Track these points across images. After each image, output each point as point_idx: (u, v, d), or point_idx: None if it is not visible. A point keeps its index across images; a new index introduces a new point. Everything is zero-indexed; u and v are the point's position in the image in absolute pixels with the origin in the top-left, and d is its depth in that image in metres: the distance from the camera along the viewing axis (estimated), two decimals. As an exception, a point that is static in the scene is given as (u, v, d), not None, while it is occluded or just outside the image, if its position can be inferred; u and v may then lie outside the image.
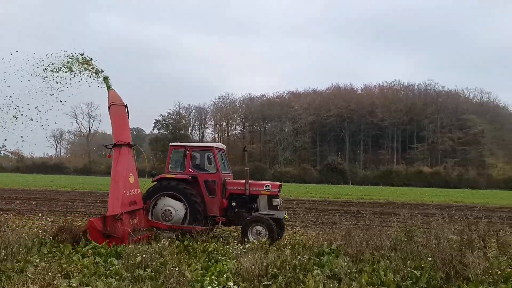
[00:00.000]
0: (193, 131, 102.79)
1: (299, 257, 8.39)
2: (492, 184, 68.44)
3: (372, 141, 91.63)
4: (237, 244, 9.77)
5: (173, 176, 12.49)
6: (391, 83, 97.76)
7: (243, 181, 12.56)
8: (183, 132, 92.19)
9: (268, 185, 12.55)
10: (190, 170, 12.57)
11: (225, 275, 7.20)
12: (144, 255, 7.76)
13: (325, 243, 10.19)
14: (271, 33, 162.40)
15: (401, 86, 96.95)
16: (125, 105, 11.92)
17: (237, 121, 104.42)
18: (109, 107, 11.79)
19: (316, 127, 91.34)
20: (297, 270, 7.63)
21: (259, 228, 11.35)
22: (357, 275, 7.40)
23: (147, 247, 8.50)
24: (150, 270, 7.27)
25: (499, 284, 7.08)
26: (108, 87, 12.19)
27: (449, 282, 7.25)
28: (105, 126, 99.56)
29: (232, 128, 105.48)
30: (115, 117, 11.69)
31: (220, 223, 12.48)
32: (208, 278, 6.94)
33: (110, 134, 13.08)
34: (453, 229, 9.35)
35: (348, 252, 9.07)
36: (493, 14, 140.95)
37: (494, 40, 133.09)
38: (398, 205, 28.78)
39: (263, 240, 10.34)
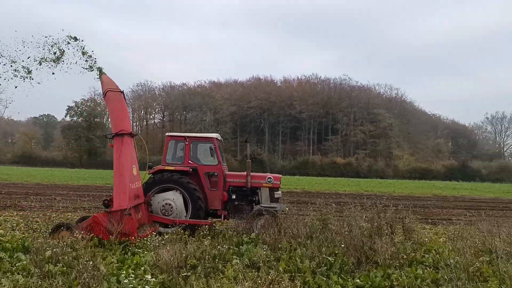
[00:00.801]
0: (110, 119, 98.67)
1: (218, 247, 8.41)
2: (398, 174, 73.47)
3: (290, 133, 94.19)
4: (155, 236, 9.56)
5: (172, 168, 11.89)
6: (309, 77, 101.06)
7: (244, 173, 12.27)
8: (98, 120, 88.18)
9: (270, 178, 12.30)
10: (190, 161, 12.07)
11: (142, 268, 7.02)
12: (54, 249, 7.31)
13: (244, 233, 10.31)
14: (193, 22, 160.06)
15: (318, 80, 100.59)
16: (122, 92, 11.03)
17: (157, 109, 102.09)
18: (104, 94, 10.82)
19: (237, 118, 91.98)
20: (217, 260, 7.65)
21: (264, 222, 10.90)
22: (275, 263, 7.58)
23: (58, 240, 8.03)
24: (61, 265, 6.88)
25: (405, 267, 7.64)
26: (100, 72, 11.11)
27: (360, 267, 7.68)
28: (10, 111, 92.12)
29: (151, 117, 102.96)
30: (114, 104, 10.74)
31: (222, 217, 11.98)
32: (124, 272, 6.72)
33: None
34: (364, 217, 9.89)
35: (266, 241, 9.25)
36: (406, 14, 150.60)
37: (405, 39, 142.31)
38: (314, 194, 29.85)
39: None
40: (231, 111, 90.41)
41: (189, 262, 7.34)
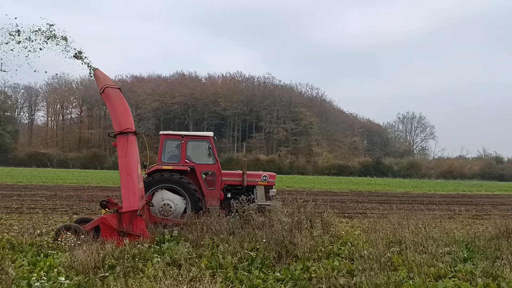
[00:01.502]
0: (21, 113, 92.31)
1: (138, 245, 8.20)
2: (318, 170, 76.05)
3: (215, 130, 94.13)
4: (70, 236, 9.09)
5: (170, 167, 11.57)
6: (233, 74, 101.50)
7: (239, 172, 12.29)
8: (9, 114, 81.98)
9: (266, 176, 12.41)
10: (186, 161, 11.78)
11: (55, 270, 6.65)
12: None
13: (166, 230, 10.14)
14: (115, 13, 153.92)
15: (242, 77, 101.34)
16: (119, 88, 10.49)
17: (74, 104, 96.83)
18: (102, 91, 10.20)
19: (160, 114, 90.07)
20: (137, 259, 7.45)
21: (263, 219, 10.79)
22: (197, 260, 7.54)
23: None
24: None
25: (323, 259, 7.96)
26: (90, 66, 10.44)
27: (281, 260, 7.88)
28: None
29: (68, 112, 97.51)
30: (115, 101, 10.15)
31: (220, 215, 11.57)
32: (36, 274, 6.33)
33: None
34: (285, 212, 10.14)
35: (189, 238, 9.18)
36: (327, 16, 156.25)
37: (324, 40, 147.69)
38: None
39: None
40: (154, 106, 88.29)
41: (107, 262, 7.08)
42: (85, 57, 10.44)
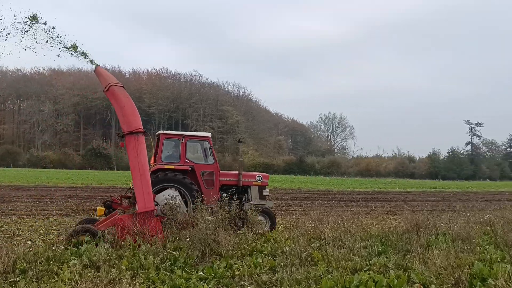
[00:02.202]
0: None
1: (53, 248, 7.77)
2: (244, 169, 76.72)
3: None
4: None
5: (173, 167, 11.55)
6: (159, 71, 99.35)
7: (235, 172, 12.56)
8: None
9: (260, 176, 12.76)
10: (186, 160, 11.84)
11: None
12: None
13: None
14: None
15: (168, 74, 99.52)
16: (123, 86, 10.19)
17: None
18: (107, 89, 9.90)
19: (81, 109, 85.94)
20: (51, 262, 7.05)
21: (261, 218, 11.31)
22: (117, 261, 7.29)
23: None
24: None
25: (246, 257, 8.03)
26: (92, 62, 10.13)
27: (204, 259, 7.85)
28: None
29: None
30: (122, 100, 9.89)
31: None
32: None
33: None
34: (209, 210, 10.11)
35: (108, 239, 8.85)
36: (254, 17, 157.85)
37: (252, 41, 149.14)
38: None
39: (264, 229, 10.67)
40: (74, 101, 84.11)
41: (18, 266, 6.62)
42: (85, 52, 10.16)
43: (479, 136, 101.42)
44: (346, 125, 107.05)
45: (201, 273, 6.88)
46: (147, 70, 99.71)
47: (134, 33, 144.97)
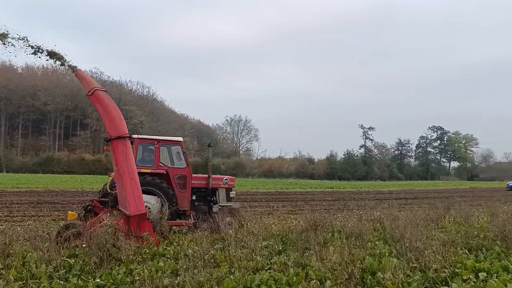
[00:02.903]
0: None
1: None
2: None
3: (33, 126, 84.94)
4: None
5: (149, 171, 11.80)
6: (55, 67, 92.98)
7: (204, 175, 12.95)
8: None
9: (227, 179, 13.30)
10: (160, 164, 12.17)
11: None
12: None
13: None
14: None
15: (66, 71, 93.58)
16: (105, 90, 10.30)
17: None
18: (91, 93, 10.03)
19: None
20: None
21: (230, 219, 12.00)
22: (4, 272, 6.72)
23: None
24: None
25: (147, 261, 7.84)
26: (70, 66, 10.20)
27: (102, 265, 7.52)
28: None
29: None
30: (109, 105, 10.00)
31: (192, 217, 12.24)
32: None
33: None
34: (108, 215, 9.73)
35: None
36: (159, 15, 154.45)
37: (157, 41, 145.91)
38: (58, 193, 27.85)
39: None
40: None
41: None
42: (62, 55, 10.10)
43: (371, 139, 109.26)
44: (251, 127, 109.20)
45: (99, 280, 6.60)
46: (43, 65, 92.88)
47: (27, 26, 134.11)
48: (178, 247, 8.93)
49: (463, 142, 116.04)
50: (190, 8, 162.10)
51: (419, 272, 6.76)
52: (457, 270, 6.96)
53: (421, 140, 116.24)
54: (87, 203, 11.52)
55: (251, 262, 7.68)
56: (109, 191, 11.43)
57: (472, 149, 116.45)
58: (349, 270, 6.69)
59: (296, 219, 16.18)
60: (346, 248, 8.00)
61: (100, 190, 12.90)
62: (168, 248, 8.91)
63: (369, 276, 6.58)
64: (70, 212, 11.48)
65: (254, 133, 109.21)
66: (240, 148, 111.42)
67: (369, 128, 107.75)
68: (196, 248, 8.52)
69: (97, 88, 10.14)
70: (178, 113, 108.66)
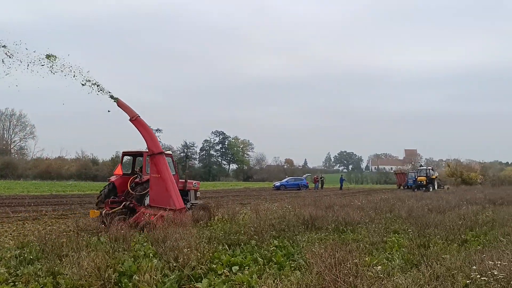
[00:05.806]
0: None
1: None
2: None
3: None
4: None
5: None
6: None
7: (182, 180, 15.48)
8: None
9: (196, 183, 16.22)
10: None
11: None
12: None
13: None
14: None
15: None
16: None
17: None
18: (134, 119, 12.27)
19: None
20: None
21: (203, 213, 13.48)
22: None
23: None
24: None
25: None
26: (113, 97, 12.06)
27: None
28: None
29: None
30: (147, 128, 12.66)
31: None
32: None
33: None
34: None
35: None
36: None
37: None
38: None
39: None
40: None
41: None
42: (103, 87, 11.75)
43: (160, 141, 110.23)
44: (27, 123, 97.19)
45: None
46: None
47: None
48: None
49: (241, 146, 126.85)
50: None
51: (177, 271, 6.91)
52: (213, 266, 7.39)
53: (205, 144, 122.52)
54: (127, 202, 12.97)
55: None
56: (131, 192, 13.18)
57: (249, 153, 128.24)
58: (107, 275, 6.43)
59: (65, 223, 15.06)
60: (101, 252, 7.55)
61: (100, 193, 14.20)
62: None
63: (125, 280, 6.46)
64: (92, 210, 13.26)
65: (30, 130, 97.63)
66: (12, 146, 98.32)
67: (157, 130, 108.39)
68: None
69: (138, 115, 12.27)
70: None
